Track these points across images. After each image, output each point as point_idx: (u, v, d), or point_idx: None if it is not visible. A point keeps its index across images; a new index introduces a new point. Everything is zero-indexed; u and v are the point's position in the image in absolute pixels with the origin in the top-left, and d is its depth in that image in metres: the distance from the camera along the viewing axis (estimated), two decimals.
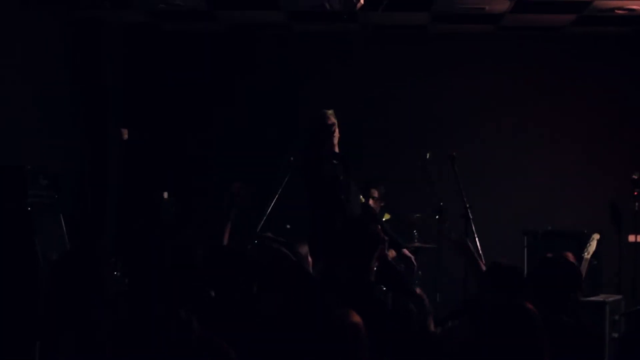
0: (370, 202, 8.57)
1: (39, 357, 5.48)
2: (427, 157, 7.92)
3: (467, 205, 6.94)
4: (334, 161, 6.78)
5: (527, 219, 9.34)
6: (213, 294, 3.85)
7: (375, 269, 4.20)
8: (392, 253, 8.14)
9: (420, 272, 8.24)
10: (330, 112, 6.90)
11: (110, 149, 10.06)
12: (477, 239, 6.74)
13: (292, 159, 7.52)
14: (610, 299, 7.87)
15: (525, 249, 9.20)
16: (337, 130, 6.84)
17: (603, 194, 9.73)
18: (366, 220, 4.55)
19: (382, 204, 8.69)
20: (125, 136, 10.28)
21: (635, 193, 8.94)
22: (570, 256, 4.38)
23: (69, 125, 9.51)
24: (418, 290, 5.09)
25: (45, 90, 8.83)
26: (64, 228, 7.12)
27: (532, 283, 3.99)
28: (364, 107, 10.05)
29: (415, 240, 8.41)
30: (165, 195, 9.40)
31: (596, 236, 8.16)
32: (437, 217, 8.27)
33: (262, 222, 7.24)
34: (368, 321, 3.76)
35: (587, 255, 7.83)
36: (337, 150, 6.84)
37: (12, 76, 8.18)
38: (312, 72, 10.37)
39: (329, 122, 6.79)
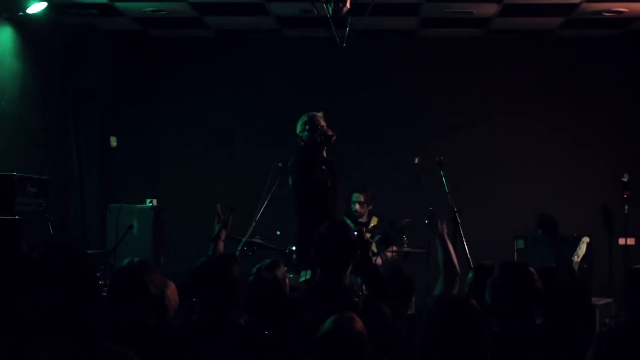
0: (357, 206, 8.55)
1: None
2: (416, 161, 7.90)
3: (455, 210, 6.93)
4: (322, 167, 6.76)
5: (518, 223, 9.33)
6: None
7: (350, 273, 4.21)
8: (379, 260, 8.14)
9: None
10: (320, 114, 6.87)
11: (98, 156, 10.06)
12: (465, 243, 6.74)
13: (279, 164, 7.49)
14: (601, 302, 7.87)
15: (516, 253, 9.23)
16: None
17: (593, 197, 9.75)
18: (342, 225, 4.51)
19: (370, 207, 8.67)
20: (114, 143, 10.27)
21: (625, 196, 8.95)
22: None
23: (58, 132, 9.50)
24: None
25: (33, 97, 8.81)
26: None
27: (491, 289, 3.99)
28: (353, 111, 10.04)
29: (405, 245, 8.38)
30: (155, 202, 9.38)
31: (586, 239, 8.18)
32: (426, 221, 8.25)
33: (251, 228, 7.22)
34: None
35: (577, 258, 7.85)
36: (325, 155, 6.82)
37: (1, 82, 8.17)
38: (302, 77, 10.37)
39: (314, 124, 6.76)
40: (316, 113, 6.88)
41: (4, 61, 8.23)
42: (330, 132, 6.55)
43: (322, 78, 10.32)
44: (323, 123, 6.79)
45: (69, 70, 9.72)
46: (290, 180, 6.80)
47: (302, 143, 6.81)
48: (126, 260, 3.99)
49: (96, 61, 10.00)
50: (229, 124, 10.46)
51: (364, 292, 5.03)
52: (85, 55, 9.87)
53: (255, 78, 10.50)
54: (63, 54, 9.67)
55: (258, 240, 7.61)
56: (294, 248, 7.23)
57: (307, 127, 6.78)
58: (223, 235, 5.32)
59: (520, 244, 9.25)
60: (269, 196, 7.27)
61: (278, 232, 8.41)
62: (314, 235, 4.27)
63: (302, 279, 6.39)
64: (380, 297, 4.17)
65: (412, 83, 10.40)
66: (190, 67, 10.65)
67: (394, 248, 8.31)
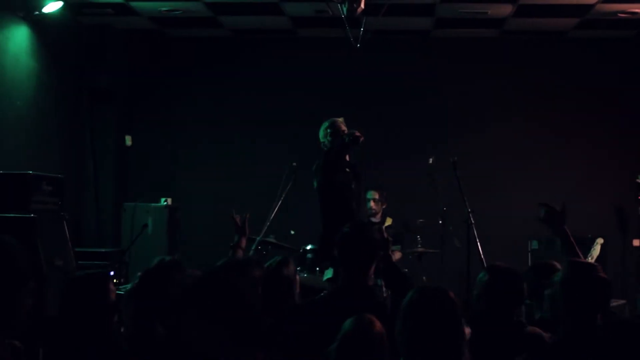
0: (372, 203, 8.57)
1: None
2: (430, 162, 7.92)
3: (469, 210, 6.92)
4: (346, 169, 6.82)
5: (532, 224, 9.30)
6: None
7: (374, 272, 4.20)
8: (397, 255, 8.13)
9: (424, 278, 8.23)
10: (340, 120, 6.95)
11: (113, 155, 10.10)
12: (479, 244, 6.73)
13: (294, 164, 7.53)
14: (614, 303, 7.85)
15: (529, 254, 9.21)
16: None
17: (608, 198, 9.70)
18: (365, 225, 4.51)
19: (384, 206, 8.68)
20: (130, 142, 10.32)
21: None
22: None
23: (73, 131, 9.55)
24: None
25: (49, 96, 8.86)
26: (67, 234, 7.12)
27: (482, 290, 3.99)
28: (367, 111, 10.03)
29: (419, 245, 8.39)
30: (169, 201, 9.42)
31: (600, 241, 8.17)
32: (440, 222, 8.28)
33: (265, 228, 7.25)
34: None
35: (591, 259, 7.83)
36: (348, 158, 6.88)
37: (17, 82, 8.21)
38: (316, 77, 10.37)
39: (336, 130, 6.83)
40: (337, 119, 6.95)
41: (19, 60, 8.27)
42: (358, 133, 6.58)
43: (336, 78, 10.31)
44: (344, 128, 6.86)
45: (84, 70, 9.77)
46: (315, 183, 6.86)
47: (325, 149, 6.88)
48: (157, 259, 4.03)
49: (112, 60, 10.02)
50: (243, 124, 10.47)
51: (387, 293, 5.04)
52: (100, 54, 9.90)
53: (270, 78, 10.51)
54: (79, 53, 9.71)
55: (272, 240, 7.65)
56: (308, 247, 7.27)
57: (329, 131, 6.85)
58: (243, 243, 5.38)
59: (534, 245, 9.23)
60: (283, 196, 7.29)
61: (292, 232, 8.44)
62: (336, 235, 4.27)
63: (326, 277, 6.46)
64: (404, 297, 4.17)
65: (426, 83, 10.39)
66: (206, 67, 10.66)
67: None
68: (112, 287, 3.85)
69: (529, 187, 9.97)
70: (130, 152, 10.36)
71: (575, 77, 10.34)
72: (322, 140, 6.93)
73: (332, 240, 5.46)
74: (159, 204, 9.27)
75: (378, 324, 3.34)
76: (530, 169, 10.17)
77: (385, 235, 4.39)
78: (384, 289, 5.39)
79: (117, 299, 3.89)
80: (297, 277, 4.67)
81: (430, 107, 10.35)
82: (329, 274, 6.41)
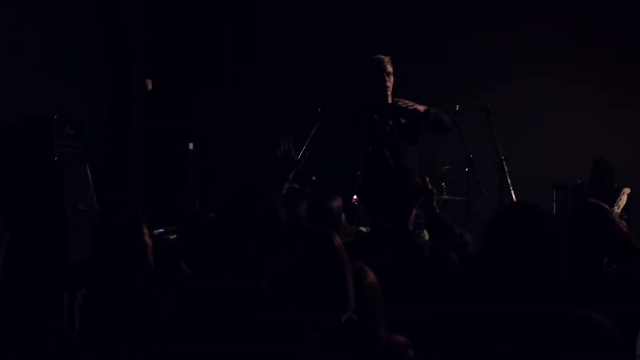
0: None
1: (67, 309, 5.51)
2: (457, 109, 7.81)
3: (503, 158, 6.82)
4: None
5: (558, 172, 9.22)
6: None
7: (415, 219, 4.20)
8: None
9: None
10: (386, 58, 6.87)
11: (134, 99, 10.02)
12: (512, 192, 6.66)
13: (319, 109, 7.47)
14: None
15: (554, 203, 9.12)
16: (391, 79, 6.83)
17: (636, 147, 9.56)
18: (406, 169, 4.48)
19: None
20: (150, 86, 10.23)
21: None
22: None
23: (94, 74, 9.46)
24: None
25: (69, 38, 8.77)
26: (90, 179, 7.07)
27: None
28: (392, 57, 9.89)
29: (444, 193, 8.33)
30: (191, 146, 9.35)
31: (627, 190, 8.05)
32: (466, 169, 8.18)
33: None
34: (406, 268, 3.81)
35: (618, 209, 7.74)
36: (390, 100, 6.81)
37: (36, 25, 8.13)
38: (337, 16, 10.19)
39: (381, 68, 6.77)
40: (383, 57, 6.86)
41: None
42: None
43: (356, 26, 10.14)
44: (390, 69, 6.79)
45: (104, 12, 9.64)
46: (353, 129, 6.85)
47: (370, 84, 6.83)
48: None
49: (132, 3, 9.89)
50: (266, 65, 10.34)
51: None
52: None
53: (295, 15, 10.33)
54: None
55: (296, 186, 7.61)
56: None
57: (373, 71, 6.81)
58: (291, 176, 4.83)
59: (559, 193, 9.13)
60: (307, 142, 7.22)
61: (313, 178, 8.42)
62: (376, 180, 4.27)
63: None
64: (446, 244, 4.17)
65: (454, 32, 10.18)
66: (223, 11, 10.51)
67: None
68: (145, 230, 3.83)
69: (556, 134, 9.83)
70: (151, 96, 10.28)
71: (604, 25, 10.04)
72: (367, 77, 6.90)
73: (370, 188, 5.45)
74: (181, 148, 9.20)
75: (371, 275, 3.31)
76: (557, 116, 9.99)
77: (430, 186, 4.38)
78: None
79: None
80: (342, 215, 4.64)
81: (457, 55, 10.16)
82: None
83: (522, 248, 2.75)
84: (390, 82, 6.88)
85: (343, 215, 4.63)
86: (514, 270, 2.76)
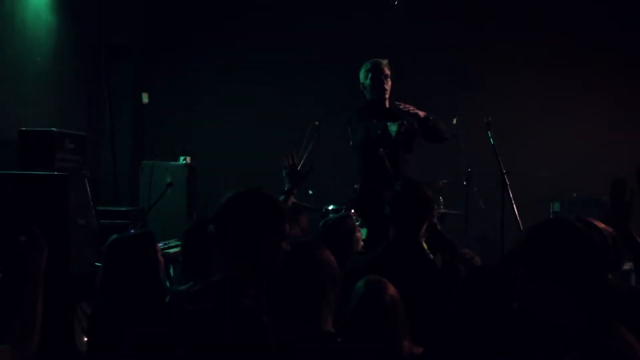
0: None
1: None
2: (454, 122, 7.83)
3: (504, 171, 6.82)
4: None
5: (555, 185, 9.24)
6: None
7: (425, 233, 4.21)
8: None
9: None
10: (384, 61, 6.80)
11: (131, 113, 10.03)
12: (514, 205, 6.66)
13: (316, 123, 7.47)
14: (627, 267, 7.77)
15: (552, 217, 9.13)
16: (389, 82, 6.77)
17: (633, 159, 9.56)
18: (417, 183, 4.49)
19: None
20: (146, 100, 10.23)
21: None
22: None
23: (91, 89, 9.47)
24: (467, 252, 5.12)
25: (68, 52, 8.77)
26: (90, 193, 7.04)
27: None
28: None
29: (442, 207, 8.32)
30: (188, 160, 9.34)
31: None
32: (464, 183, 8.20)
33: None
34: (418, 280, 3.86)
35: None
36: (387, 104, 6.77)
37: (37, 37, 8.13)
38: (336, 30, 10.19)
39: (379, 71, 6.71)
40: (381, 60, 6.80)
41: (39, 15, 8.16)
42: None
43: (355, 31, 10.14)
44: (388, 72, 6.73)
45: (103, 25, 9.64)
46: (350, 140, 6.78)
47: (364, 91, 6.78)
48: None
49: (129, 16, 9.90)
50: (262, 81, 10.35)
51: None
52: (118, 9, 9.77)
53: (291, 29, 10.34)
54: (98, 8, 9.57)
55: (293, 200, 7.58)
56: (330, 208, 7.23)
57: (369, 75, 6.73)
58: (295, 190, 4.86)
59: (556, 207, 9.16)
60: (305, 156, 7.22)
61: (310, 192, 8.41)
62: (387, 193, 4.26)
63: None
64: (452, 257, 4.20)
65: (450, 42, 10.21)
66: (224, 23, 10.52)
67: None
68: (158, 246, 3.83)
69: (554, 148, 9.82)
70: (147, 109, 10.28)
71: (604, 34, 10.07)
72: (362, 81, 6.82)
73: (368, 200, 5.42)
74: (178, 162, 9.17)
75: (391, 288, 3.32)
76: (555, 130, 10.00)
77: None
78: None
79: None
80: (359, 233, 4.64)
81: (453, 66, 10.19)
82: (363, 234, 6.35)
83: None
84: (388, 85, 6.79)
85: (359, 235, 4.65)
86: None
